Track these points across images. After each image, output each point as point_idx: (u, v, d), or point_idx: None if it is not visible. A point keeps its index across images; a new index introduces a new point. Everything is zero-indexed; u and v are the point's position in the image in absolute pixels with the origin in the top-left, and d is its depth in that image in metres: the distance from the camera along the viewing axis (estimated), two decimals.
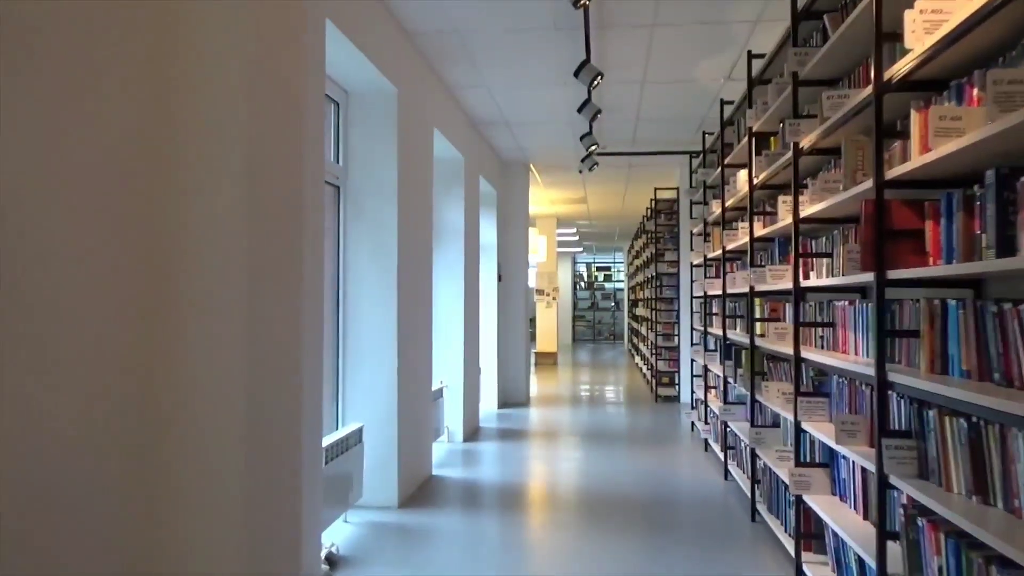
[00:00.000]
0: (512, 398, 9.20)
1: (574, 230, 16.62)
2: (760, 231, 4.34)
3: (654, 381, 10.03)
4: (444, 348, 6.69)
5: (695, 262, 7.14)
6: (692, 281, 7.39)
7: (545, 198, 12.26)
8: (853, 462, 3.01)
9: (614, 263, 24.71)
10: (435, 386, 6.36)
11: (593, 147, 6.54)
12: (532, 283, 15.72)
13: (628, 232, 17.75)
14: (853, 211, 3.02)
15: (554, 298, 15.31)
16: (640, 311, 13.43)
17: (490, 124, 7.21)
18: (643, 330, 12.66)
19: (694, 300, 7.43)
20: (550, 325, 15.32)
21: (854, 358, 3.01)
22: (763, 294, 4.47)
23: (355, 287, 4.60)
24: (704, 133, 6.65)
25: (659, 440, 6.89)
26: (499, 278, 8.88)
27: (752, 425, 4.38)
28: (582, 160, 7.40)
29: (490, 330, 8.67)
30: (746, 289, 4.62)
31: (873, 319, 2.79)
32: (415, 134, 5.04)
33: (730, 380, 5.21)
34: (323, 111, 3.34)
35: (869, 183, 2.45)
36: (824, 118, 3.06)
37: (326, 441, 3.82)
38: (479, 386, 8.02)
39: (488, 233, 8.72)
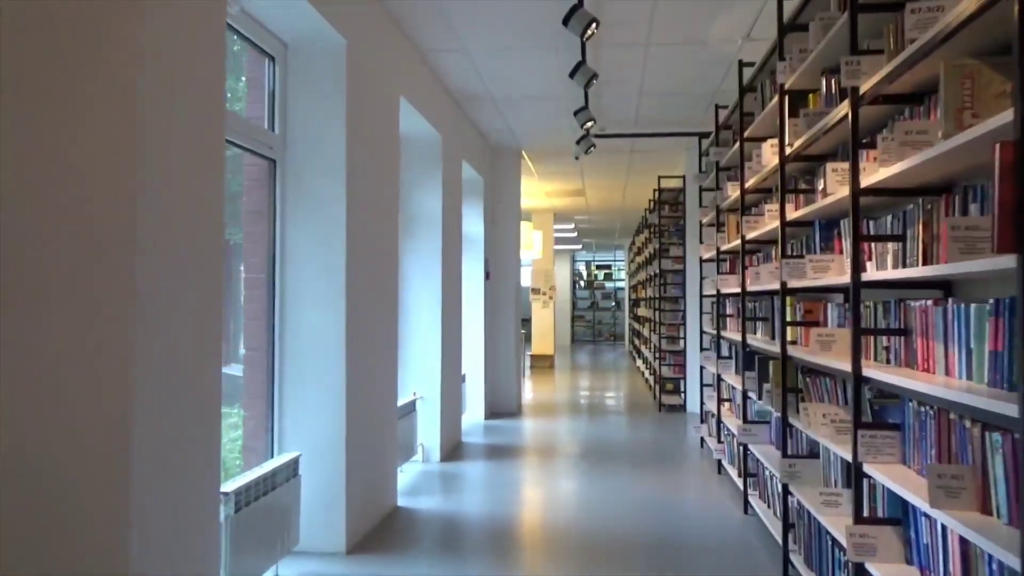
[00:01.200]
0: (501, 408, 8.35)
1: (572, 226, 15.77)
2: (793, 213, 3.48)
3: (657, 388, 9.18)
4: (419, 354, 5.84)
5: (705, 256, 6.29)
6: (701, 278, 6.54)
7: (540, 190, 11.41)
8: (942, 525, 2.16)
9: (614, 261, 23.85)
10: (406, 399, 5.52)
11: (589, 123, 5.69)
12: (527, 281, 14.88)
13: (629, 228, 16.89)
14: (952, 172, 2.16)
15: (551, 297, 14.45)
16: (642, 311, 12.57)
17: (473, 99, 6.36)
18: (645, 331, 11.80)
19: (704, 299, 6.58)
20: (546, 326, 14.46)
21: (944, 379, 2.16)
22: (799, 291, 3.62)
23: (295, 284, 3.75)
24: (717, 107, 5.80)
25: (665, 459, 6.03)
26: (487, 275, 8.04)
27: (784, 455, 3.53)
28: (577, 142, 6.55)
29: (476, 333, 7.82)
30: (774, 286, 3.77)
31: (974, 325, 1.94)
32: (373, 100, 4.19)
33: (751, 394, 4.36)
34: (221, 44, 2.49)
35: (1003, 118, 1.59)
36: (902, 46, 2.21)
37: (241, 481, 2.97)
38: (462, 396, 7.18)
39: (474, 225, 7.87)
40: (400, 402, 5.27)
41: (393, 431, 4.64)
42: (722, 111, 5.70)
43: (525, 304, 14.29)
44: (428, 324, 5.84)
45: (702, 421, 6.49)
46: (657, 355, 9.38)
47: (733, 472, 5.01)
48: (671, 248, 8.72)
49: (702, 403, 6.46)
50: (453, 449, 6.30)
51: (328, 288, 3.73)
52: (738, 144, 4.64)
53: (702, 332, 6.53)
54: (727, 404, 5.53)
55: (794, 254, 3.70)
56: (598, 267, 24.04)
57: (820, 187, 3.36)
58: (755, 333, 4.63)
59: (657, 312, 9.38)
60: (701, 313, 6.58)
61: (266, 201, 3.75)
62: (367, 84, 4.07)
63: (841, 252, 3.07)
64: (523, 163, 8.99)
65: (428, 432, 5.84)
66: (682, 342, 8.61)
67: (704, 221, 6.37)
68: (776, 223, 3.71)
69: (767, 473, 4.14)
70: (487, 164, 8.13)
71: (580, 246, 21.27)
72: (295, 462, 3.46)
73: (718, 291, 5.49)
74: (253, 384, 3.75)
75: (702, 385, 6.54)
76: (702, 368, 6.39)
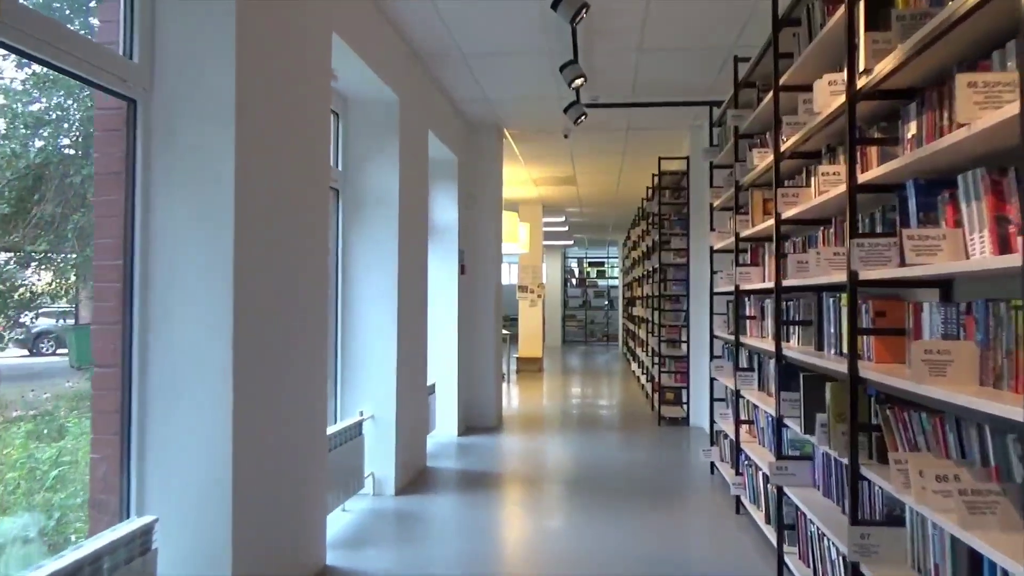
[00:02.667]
0: (479, 422, 7.28)
1: (563, 219, 14.70)
2: (868, 174, 2.43)
3: (656, 396, 8.14)
4: (368, 364, 4.77)
5: (718, 246, 5.24)
6: (712, 272, 5.50)
7: (526, 177, 10.35)
8: None
9: (607, 258, 22.82)
10: (351, 420, 4.45)
11: (579, 80, 4.63)
12: (514, 278, 13.82)
13: (623, 223, 15.86)
14: None
15: (539, 295, 13.39)
16: (638, 311, 11.53)
17: (439, 56, 5.29)
18: (641, 333, 10.76)
19: (715, 297, 5.54)
20: (534, 326, 13.39)
21: None
22: (874, 285, 2.57)
23: (164, 274, 2.67)
24: (736, 59, 4.74)
25: (669, 491, 4.98)
26: (462, 270, 6.97)
27: (854, 519, 2.47)
28: (566, 110, 5.50)
29: (448, 336, 6.76)
30: (832, 278, 2.72)
31: None
32: (283, 24, 3.11)
33: (788, 422, 3.31)
34: None
35: None
36: None
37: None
38: (430, 410, 6.12)
39: (446, 212, 6.81)
40: (339, 426, 4.21)
41: (320, 465, 3.57)
42: (743, 65, 4.64)
43: (512, 303, 13.27)
44: (380, 327, 4.77)
45: (712, 443, 5.44)
46: (655, 360, 8.34)
47: (758, 516, 3.96)
48: (672, 240, 7.67)
49: (712, 421, 5.41)
50: (414, 478, 5.23)
51: (210, 279, 2.66)
52: (771, 95, 3.58)
53: (712, 336, 5.48)
54: (748, 427, 4.48)
55: (867, 232, 2.65)
56: (591, 264, 23.02)
57: (909, 134, 2.32)
58: (788, 340, 3.58)
59: (655, 312, 8.34)
60: (712, 314, 5.53)
61: (124, 159, 2.68)
62: (273, 5, 3.00)
63: (954, 224, 2.02)
64: (505, 144, 7.93)
65: (380, 459, 4.77)
66: (684, 346, 7.57)
67: (716, 204, 5.33)
68: (839, 189, 2.65)
69: (814, 530, 3.09)
70: (462, 141, 7.06)
71: (571, 242, 20.22)
72: (145, 532, 2.39)
73: (737, 287, 4.45)
74: (104, 414, 2.68)
75: (712, 399, 5.49)
76: (713, 379, 5.34)
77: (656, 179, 8.35)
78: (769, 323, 4.05)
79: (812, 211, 3.13)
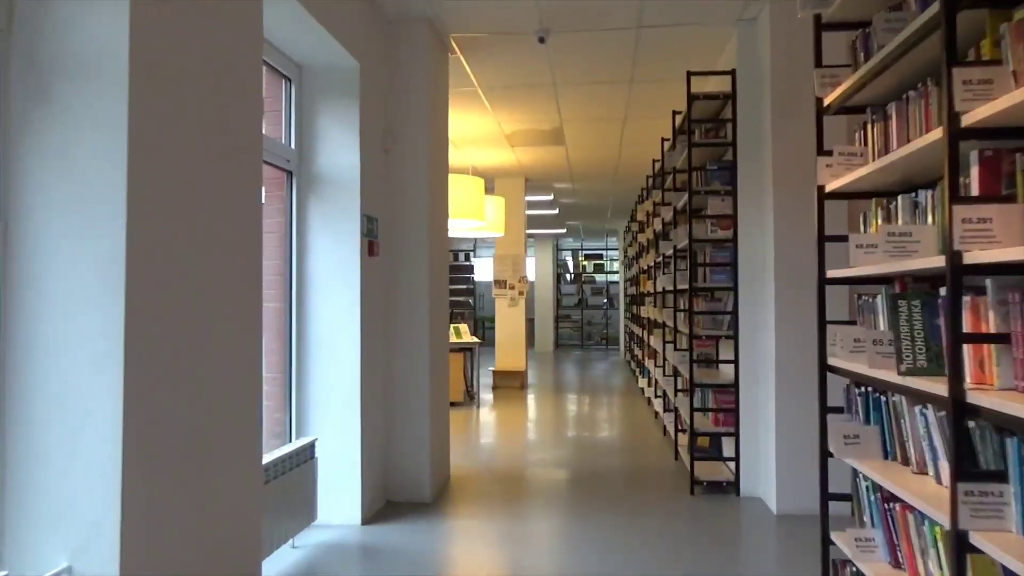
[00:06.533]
0: (403, 491, 4.53)
1: (551, 197, 11.92)
2: None
3: (683, 438, 5.45)
4: (47, 444, 2.02)
5: (836, 185, 2.52)
6: (823, 240, 2.76)
7: (496, 131, 7.60)
8: None
9: (607, 250, 20.10)
10: None
11: None
12: (489, 273, 11.10)
13: (625, 206, 13.12)
14: None
15: (521, 293, 10.63)
16: (648, 311, 8.76)
17: None
18: (654, 342, 8.00)
19: (827, 287, 2.80)
20: (515, 332, 10.62)
21: None
22: None
23: None
24: None
25: None
26: (370, 249, 4.24)
27: None
28: None
29: (344, 355, 4.03)
30: None
31: None
32: None
33: None
34: None
35: None
36: None
37: None
38: (305, 491, 3.40)
39: (337, 153, 4.07)
40: None
41: None
42: None
43: (489, 302, 10.53)
44: (78, 359, 2.03)
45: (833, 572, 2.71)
46: (679, 388, 5.63)
47: None
48: (710, 202, 4.92)
49: (828, 541, 2.68)
50: None
51: None
52: None
53: (826, 368, 2.74)
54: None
55: None
56: (587, 257, 20.28)
57: None
58: None
59: (681, 315, 5.60)
60: (822, 323, 2.78)
61: None
62: None
63: None
64: (454, 62, 5.21)
65: None
66: (732, 370, 4.83)
67: (832, 99, 2.60)
68: None
69: None
70: (370, 41, 4.31)
71: (564, 230, 17.45)
72: None
73: (955, 257, 1.72)
74: None
75: (825, 492, 2.75)
76: (827, 455, 2.59)
77: (680, 118, 5.62)
78: None
79: None
